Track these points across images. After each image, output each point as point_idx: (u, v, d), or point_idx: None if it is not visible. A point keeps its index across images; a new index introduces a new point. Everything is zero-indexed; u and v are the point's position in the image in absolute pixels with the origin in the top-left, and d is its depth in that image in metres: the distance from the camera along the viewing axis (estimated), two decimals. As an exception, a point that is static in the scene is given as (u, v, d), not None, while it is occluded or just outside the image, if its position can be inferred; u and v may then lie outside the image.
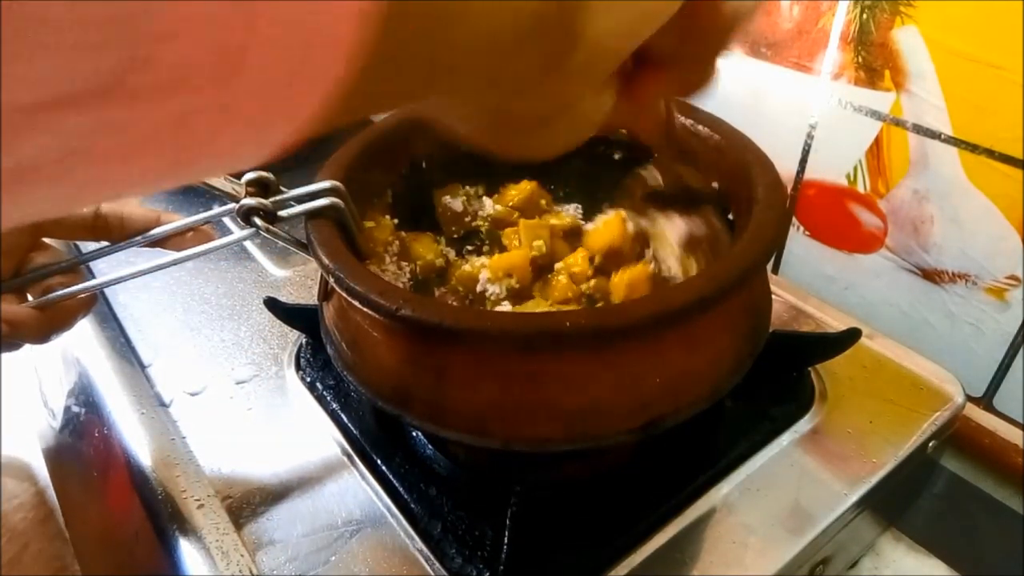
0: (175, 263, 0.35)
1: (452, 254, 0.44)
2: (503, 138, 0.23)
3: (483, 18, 0.16)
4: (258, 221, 0.33)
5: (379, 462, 0.40)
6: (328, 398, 0.45)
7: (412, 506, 0.38)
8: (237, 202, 0.33)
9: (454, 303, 0.40)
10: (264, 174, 0.33)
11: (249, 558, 0.37)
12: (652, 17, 0.20)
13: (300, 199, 0.34)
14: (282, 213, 0.33)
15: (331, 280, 0.31)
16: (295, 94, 0.12)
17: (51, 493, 0.49)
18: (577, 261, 0.40)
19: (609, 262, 0.40)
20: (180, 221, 0.37)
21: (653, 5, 0.20)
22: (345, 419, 0.43)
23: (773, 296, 0.39)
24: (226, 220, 0.42)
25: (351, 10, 0.12)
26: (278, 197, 0.34)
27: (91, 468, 0.49)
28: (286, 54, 0.12)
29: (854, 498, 0.39)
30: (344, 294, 0.31)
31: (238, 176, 0.34)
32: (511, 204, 0.44)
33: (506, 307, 0.39)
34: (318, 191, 0.34)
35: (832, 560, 0.41)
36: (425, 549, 0.36)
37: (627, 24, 0.20)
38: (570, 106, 0.22)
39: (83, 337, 0.51)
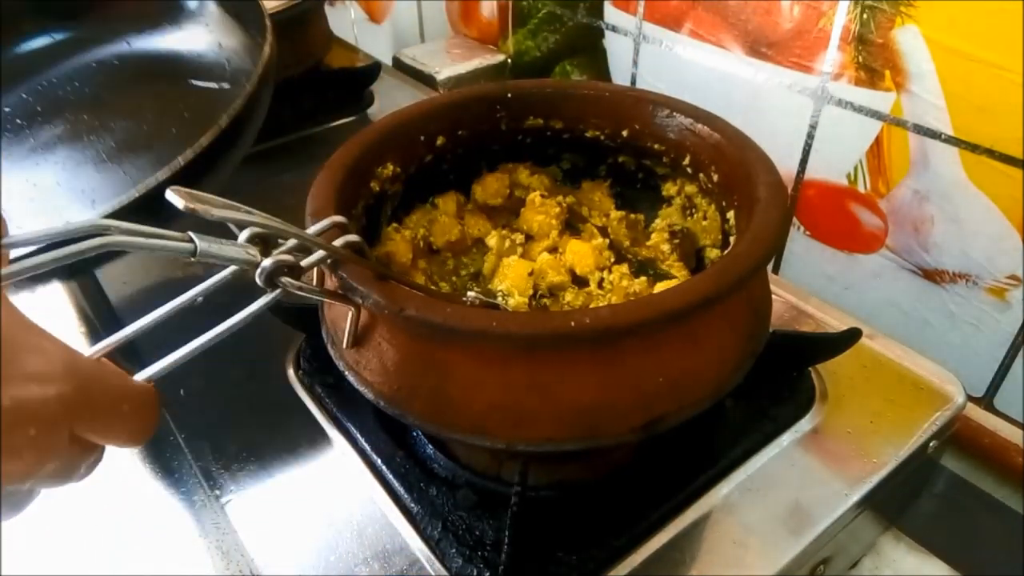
0: (207, 345, 0.31)
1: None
2: None
3: None
4: (285, 280, 0.27)
5: (379, 462, 0.40)
6: (328, 398, 0.44)
7: (412, 506, 0.38)
8: (252, 265, 0.27)
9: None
10: (258, 230, 0.26)
11: (249, 558, 0.37)
12: None
13: (306, 242, 0.28)
14: (303, 263, 0.28)
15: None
16: None
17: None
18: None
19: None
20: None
21: None
22: (345, 419, 0.43)
23: (773, 296, 0.39)
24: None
25: None
26: (283, 247, 0.27)
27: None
28: None
29: (854, 498, 0.39)
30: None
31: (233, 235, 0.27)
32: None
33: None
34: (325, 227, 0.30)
35: (833, 560, 0.41)
36: (425, 549, 0.36)
37: None
38: None
39: (83, 337, 0.51)
